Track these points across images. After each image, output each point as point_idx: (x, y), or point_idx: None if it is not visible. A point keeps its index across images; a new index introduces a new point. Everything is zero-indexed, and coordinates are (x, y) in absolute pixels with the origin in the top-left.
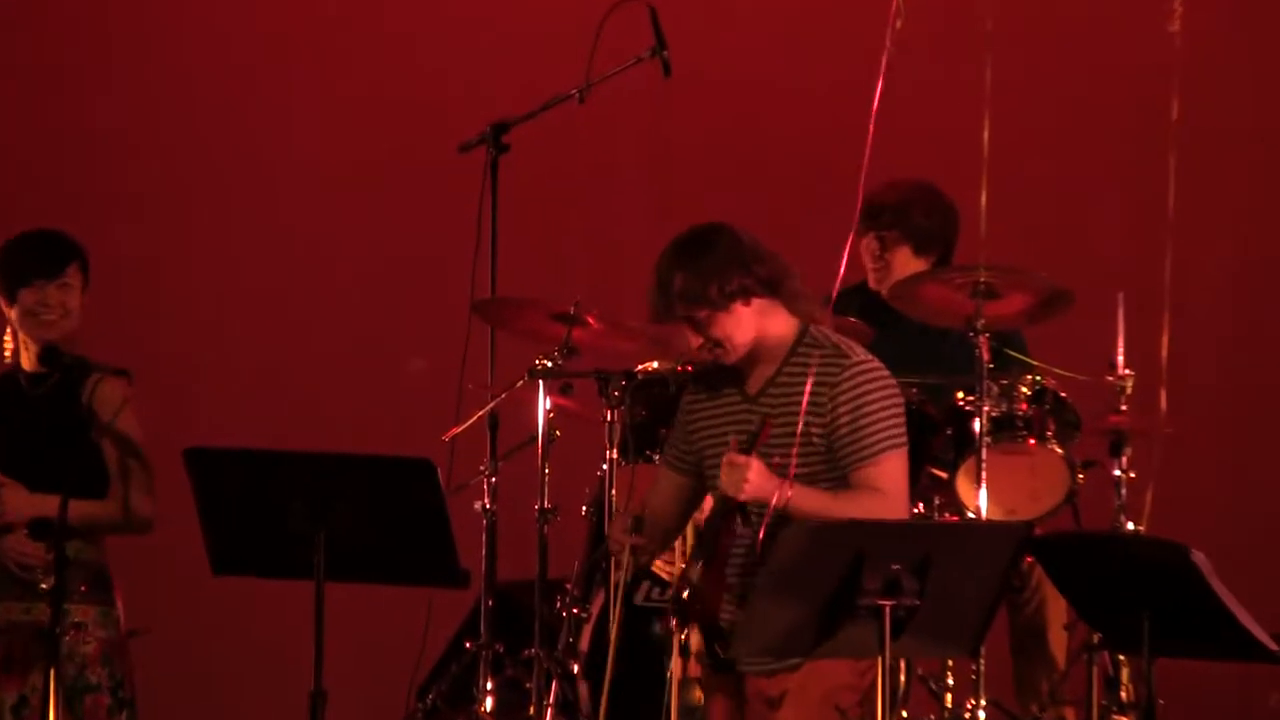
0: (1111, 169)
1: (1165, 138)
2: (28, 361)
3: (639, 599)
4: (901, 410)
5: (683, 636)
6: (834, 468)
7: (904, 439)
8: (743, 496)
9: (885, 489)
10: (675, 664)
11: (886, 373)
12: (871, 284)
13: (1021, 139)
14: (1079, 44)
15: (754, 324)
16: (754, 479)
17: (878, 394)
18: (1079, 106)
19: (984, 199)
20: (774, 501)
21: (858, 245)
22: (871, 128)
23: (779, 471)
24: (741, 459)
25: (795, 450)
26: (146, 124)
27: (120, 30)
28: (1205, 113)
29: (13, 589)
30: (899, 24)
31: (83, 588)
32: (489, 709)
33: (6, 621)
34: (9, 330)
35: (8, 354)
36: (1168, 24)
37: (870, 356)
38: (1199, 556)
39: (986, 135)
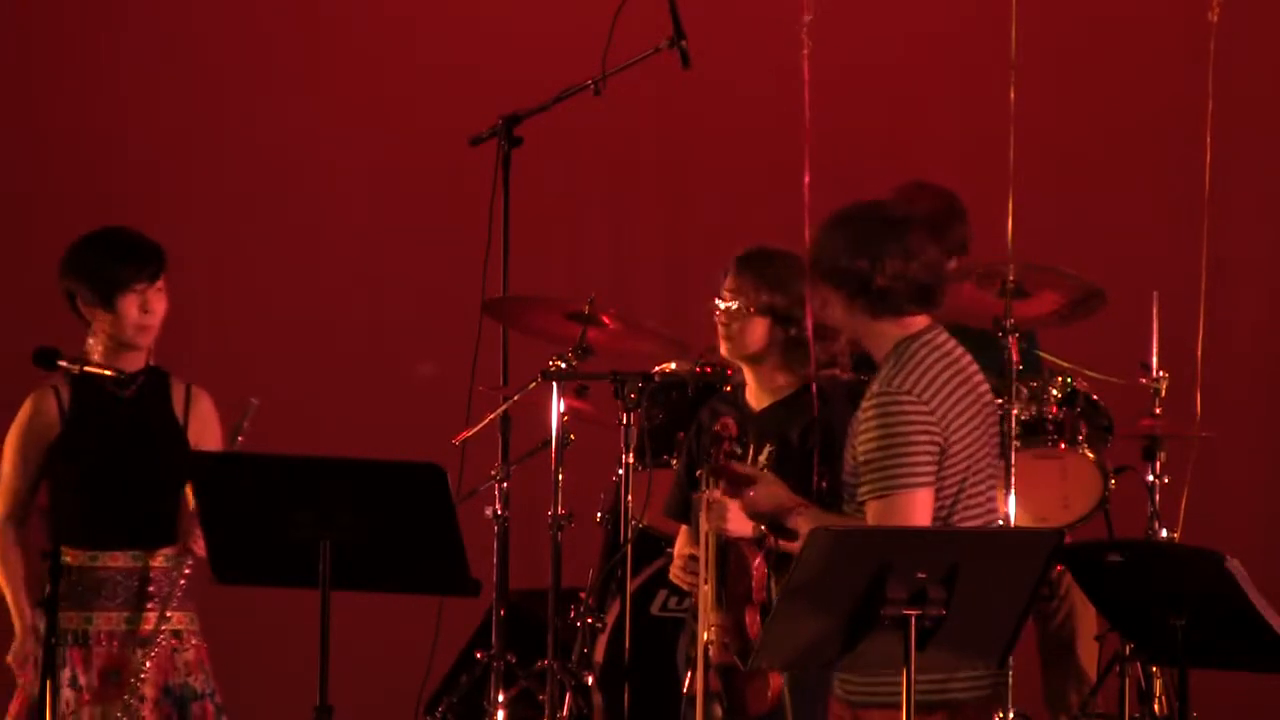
0: (1147, 165)
1: (1200, 132)
2: (107, 363)
3: (655, 608)
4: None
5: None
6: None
7: None
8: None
9: None
10: (697, 678)
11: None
12: None
13: (1052, 136)
14: (1113, 35)
15: None
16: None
17: None
18: (1112, 100)
19: (1011, 198)
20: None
21: None
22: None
23: None
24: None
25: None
26: (145, 122)
27: (130, 23)
28: (1240, 105)
29: (114, 599)
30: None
31: (179, 594)
32: None
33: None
34: (93, 334)
35: (96, 359)
36: (1207, 14)
37: None
38: (1234, 564)
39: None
